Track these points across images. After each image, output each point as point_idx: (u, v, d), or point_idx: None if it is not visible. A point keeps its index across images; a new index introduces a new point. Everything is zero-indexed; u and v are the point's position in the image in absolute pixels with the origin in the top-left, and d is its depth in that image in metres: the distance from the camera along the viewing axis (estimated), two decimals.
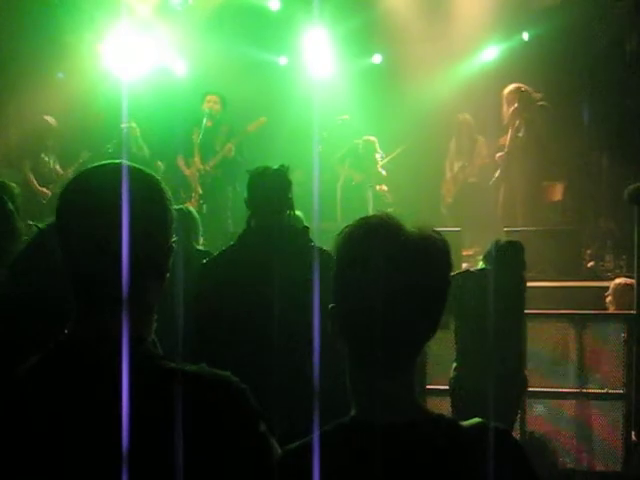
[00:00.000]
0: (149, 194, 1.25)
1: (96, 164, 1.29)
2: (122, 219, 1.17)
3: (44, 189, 7.93)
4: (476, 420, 1.27)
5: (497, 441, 1.23)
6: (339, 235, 1.31)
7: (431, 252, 1.25)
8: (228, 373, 1.23)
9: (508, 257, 4.14)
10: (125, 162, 1.26)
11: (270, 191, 3.06)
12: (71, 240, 1.22)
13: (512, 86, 7.76)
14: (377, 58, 9.95)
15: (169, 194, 1.30)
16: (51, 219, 1.35)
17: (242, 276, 2.93)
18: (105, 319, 1.20)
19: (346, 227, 1.31)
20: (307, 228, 3.21)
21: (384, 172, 8.37)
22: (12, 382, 1.21)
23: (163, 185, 1.29)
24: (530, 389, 4.58)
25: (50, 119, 8.21)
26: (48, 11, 8.74)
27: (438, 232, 1.30)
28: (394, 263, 1.22)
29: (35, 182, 7.94)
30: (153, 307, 1.28)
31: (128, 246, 1.17)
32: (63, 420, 1.15)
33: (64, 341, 1.21)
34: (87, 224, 1.20)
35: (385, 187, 8.37)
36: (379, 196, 8.29)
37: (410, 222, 1.29)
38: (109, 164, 1.27)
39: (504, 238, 4.52)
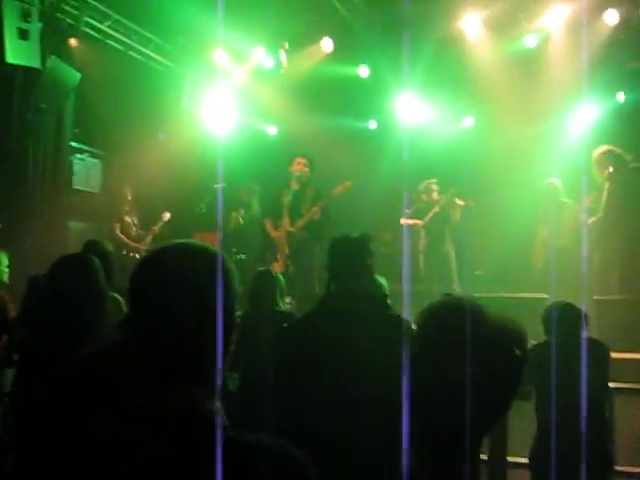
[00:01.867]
0: (208, 274, 1.30)
1: (164, 245, 1.38)
2: (187, 300, 1.27)
3: (137, 245, 8.33)
4: None
5: None
6: (423, 313, 1.36)
7: (507, 345, 1.28)
8: (288, 443, 1.24)
9: (568, 321, 3.97)
10: (192, 242, 1.36)
11: (349, 258, 3.11)
12: (144, 319, 1.30)
13: (603, 148, 7.59)
14: (468, 121, 10.02)
15: (234, 270, 1.37)
16: None
17: (317, 345, 2.97)
18: (182, 392, 1.26)
19: (431, 306, 1.36)
20: (386, 295, 3.24)
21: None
22: (94, 445, 1.25)
23: (227, 262, 1.35)
24: (619, 468, 4.36)
25: (125, 189, 8.66)
26: (152, 77, 9.27)
27: (517, 324, 1.33)
28: (473, 353, 1.25)
29: (127, 239, 8.34)
30: (217, 381, 1.32)
31: (196, 325, 1.26)
32: None
33: (143, 407, 1.26)
34: (154, 304, 1.29)
35: (460, 202, 8.35)
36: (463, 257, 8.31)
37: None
38: (179, 244, 1.36)
39: (560, 302, 4.28)
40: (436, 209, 8.41)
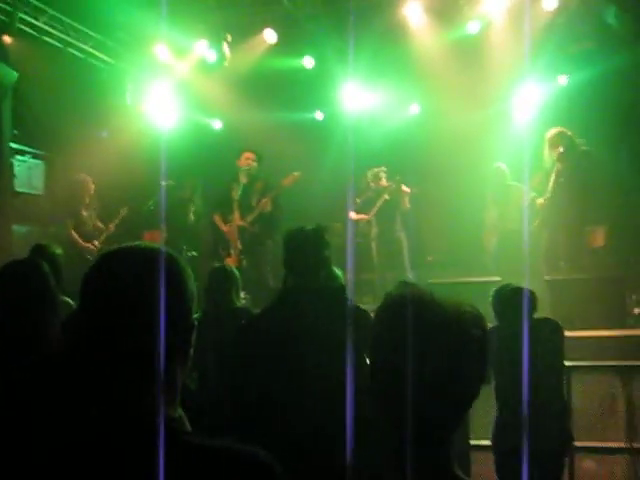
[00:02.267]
0: (163, 276, 1.26)
1: (117, 247, 1.34)
2: (143, 305, 1.23)
3: (89, 245, 8.10)
4: None
5: None
6: (380, 306, 1.36)
7: (465, 330, 1.28)
8: (255, 448, 1.22)
9: (512, 305, 4.02)
10: (145, 244, 1.33)
11: (305, 251, 3.08)
12: (95, 323, 1.25)
13: (556, 130, 7.69)
14: (414, 108, 10.06)
15: (188, 271, 1.33)
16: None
17: (279, 338, 2.93)
18: (138, 398, 1.22)
19: (386, 296, 1.34)
20: (343, 287, 3.22)
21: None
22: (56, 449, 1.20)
23: (179, 264, 1.31)
24: (578, 444, 4.44)
25: (85, 177, 8.36)
26: (93, 74, 9.07)
27: (473, 307, 1.32)
28: (425, 344, 1.25)
29: (79, 239, 8.11)
30: (174, 383, 1.29)
31: (151, 330, 1.22)
32: None
33: (99, 417, 1.22)
34: (108, 310, 1.24)
35: (406, 189, 8.43)
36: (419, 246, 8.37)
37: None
38: (131, 248, 1.32)
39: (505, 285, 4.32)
40: (385, 196, 8.44)
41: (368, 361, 1.38)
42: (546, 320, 4.21)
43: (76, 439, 1.19)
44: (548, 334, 4.06)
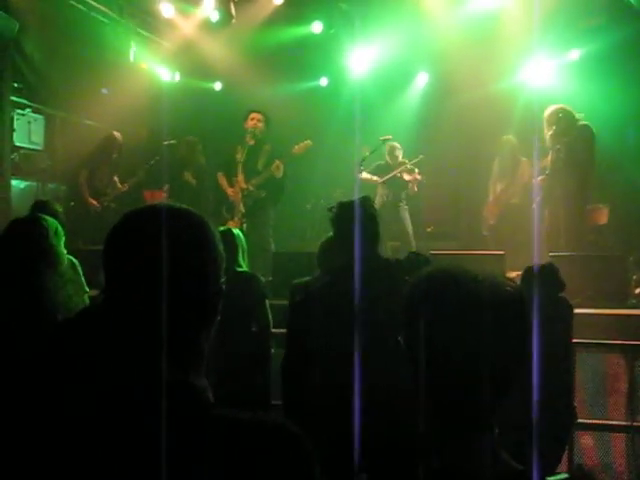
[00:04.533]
0: (194, 238, 1.22)
1: (142, 207, 1.28)
2: (165, 264, 1.17)
3: (94, 201, 8.02)
4: (562, 476, 1.24)
5: None
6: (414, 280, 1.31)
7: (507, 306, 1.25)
8: (284, 420, 1.19)
9: (546, 281, 4.01)
10: (171, 205, 1.27)
11: (364, 224, 3.03)
12: (117, 283, 1.21)
13: (552, 108, 7.62)
14: (423, 77, 9.93)
15: (216, 234, 1.28)
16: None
17: (340, 310, 2.87)
18: (150, 361, 1.17)
19: (420, 273, 1.30)
20: (399, 260, 3.20)
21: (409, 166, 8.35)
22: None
23: (208, 226, 1.26)
24: (579, 421, 4.44)
25: (117, 134, 8.36)
26: (96, 29, 8.89)
27: (512, 281, 1.28)
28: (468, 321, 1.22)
29: (86, 193, 8.04)
30: (201, 351, 1.24)
31: (170, 290, 1.16)
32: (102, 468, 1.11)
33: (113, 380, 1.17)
34: (131, 268, 1.19)
35: (418, 176, 8.32)
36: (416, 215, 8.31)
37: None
38: (155, 208, 1.26)
39: (537, 263, 4.36)
40: (399, 172, 8.31)
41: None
42: (561, 298, 4.19)
43: (102, 408, 1.14)
44: (562, 311, 4.04)
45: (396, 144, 8.47)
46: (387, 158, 8.50)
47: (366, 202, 3.10)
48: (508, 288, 1.27)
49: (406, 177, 8.32)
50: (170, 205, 1.27)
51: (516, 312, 1.26)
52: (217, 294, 1.25)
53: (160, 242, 1.17)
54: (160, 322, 1.16)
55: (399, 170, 8.32)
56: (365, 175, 8.34)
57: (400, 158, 8.47)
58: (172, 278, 1.16)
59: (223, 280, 1.27)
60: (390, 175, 8.33)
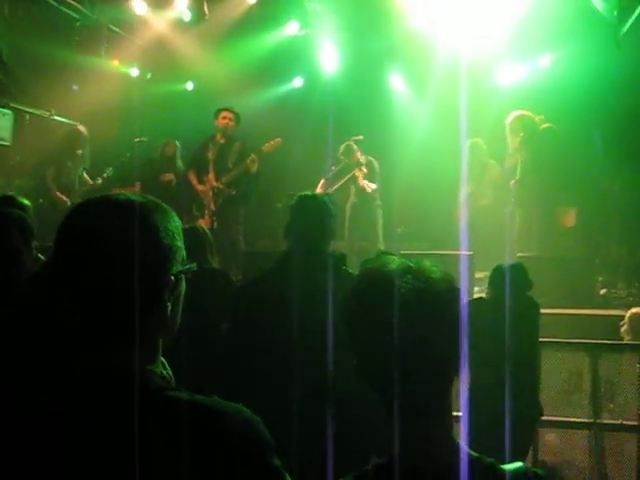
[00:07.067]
0: (141, 229, 1.22)
1: (93, 198, 1.29)
2: (114, 257, 1.19)
3: (62, 197, 7.90)
4: (517, 465, 1.26)
5: None
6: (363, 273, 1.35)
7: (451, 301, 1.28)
8: (239, 404, 1.21)
9: (514, 280, 4.05)
10: (123, 194, 1.27)
11: (312, 217, 3.05)
12: (64, 272, 1.22)
13: (514, 114, 7.72)
14: (396, 77, 9.97)
15: (171, 226, 1.27)
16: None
17: (278, 301, 2.88)
18: (111, 353, 1.19)
19: (368, 265, 1.31)
20: (344, 255, 3.21)
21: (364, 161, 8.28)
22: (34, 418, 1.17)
23: (163, 217, 1.26)
24: (543, 418, 4.49)
25: (82, 128, 8.22)
26: (67, 25, 8.81)
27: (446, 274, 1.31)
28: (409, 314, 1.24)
29: (53, 188, 7.91)
30: (151, 339, 1.25)
31: (122, 281, 1.18)
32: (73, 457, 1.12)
33: (79, 372, 1.19)
34: (77, 257, 1.21)
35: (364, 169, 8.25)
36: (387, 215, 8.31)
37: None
38: (107, 198, 1.28)
39: (506, 262, 4.40)
40: (355, 172, 8.24)
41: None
42: (528, 297, 4.24)
43: (50, 396, 1.17)
44: (526, 310, 4.09)
45: (351, 143, 8.34)
46: (343, 158, 8.37)
47: (326, 197, 3.12)
48: (436, 276, 1.28)
49: (357, 174, 8.25)
50: (123, 195, 1.27)
51: (448, 300, 1.28)
52: (167, 284, 1.24)
53: (106, 231, 1.20)
54: (101, 308, 1.19)
55: (347, 177, 8.22)
56: (319, 187, 8.20)
57: (359, 156, 8.35)
58: (115, 264, 1.18)
59: (177, 272, 1.27)
60: (339, 184, 8.24)
